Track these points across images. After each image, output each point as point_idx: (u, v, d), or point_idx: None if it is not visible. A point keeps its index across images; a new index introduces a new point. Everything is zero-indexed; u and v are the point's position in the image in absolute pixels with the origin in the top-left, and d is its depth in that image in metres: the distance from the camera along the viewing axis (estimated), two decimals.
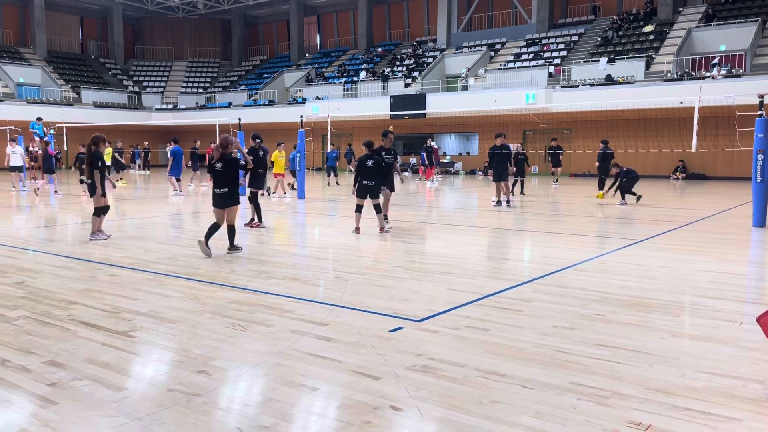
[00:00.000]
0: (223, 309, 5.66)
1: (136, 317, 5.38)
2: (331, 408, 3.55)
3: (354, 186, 10.59)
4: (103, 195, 9.80)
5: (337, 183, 23.61)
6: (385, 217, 10.95)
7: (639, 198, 15.84)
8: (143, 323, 5.21)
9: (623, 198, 15.85)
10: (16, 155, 20.35)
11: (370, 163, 10.40)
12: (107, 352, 4.49)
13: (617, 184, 15.99)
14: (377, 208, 10.62)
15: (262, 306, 5.77)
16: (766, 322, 3.69)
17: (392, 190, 11.33)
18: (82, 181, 16.67)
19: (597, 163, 17.95)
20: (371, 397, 3.67)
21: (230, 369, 4.16)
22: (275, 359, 4.31)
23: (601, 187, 17.65)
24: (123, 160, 26.78)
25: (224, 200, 8.49)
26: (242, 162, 8.73)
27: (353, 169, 14.28)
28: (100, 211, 9.82)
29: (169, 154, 19.81)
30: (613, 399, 3.62)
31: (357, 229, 10.54)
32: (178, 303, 5.89)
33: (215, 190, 8.51)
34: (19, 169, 20.53)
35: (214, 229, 8.49)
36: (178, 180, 19.22)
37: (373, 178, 10.42)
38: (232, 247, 8.63)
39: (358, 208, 10.60)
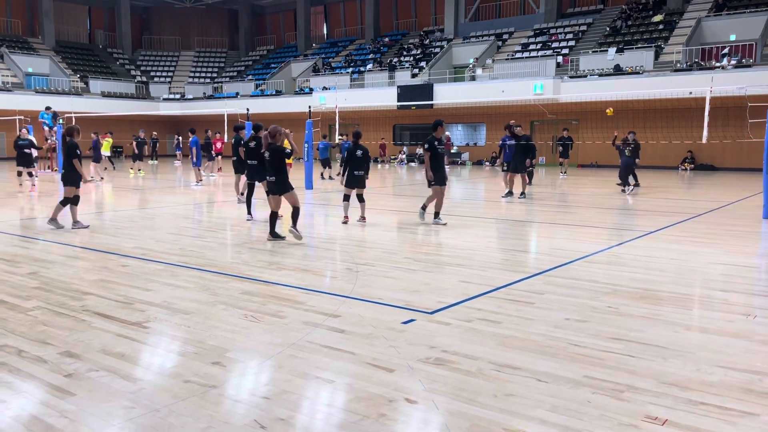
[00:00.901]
0: (236, 300, 5.68)
1: (150, 308, 5.41)
2: (346, 400, 3.57)
3: (342, 176, 10.74)
4: (75, 184, 9.88)
5: (330, 177, 22.06)
6: (437, 214, 10.63)
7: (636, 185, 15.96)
8: (157, 314, 5.24)
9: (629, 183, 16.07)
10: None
11: (359, 153, 10.49)
12: (122, 343, 4.51)
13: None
14: (361, 198, 10.80)
15: (275, 297, 5.79)
16: None
17: (443, 183, 10.59)
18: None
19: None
20: (386, 389, 3.68)
21: (245, 360, 4.19)
22: (289, 351, 4.33)
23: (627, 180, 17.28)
24: (145, 151, 26.90)
25: (277, 187, 8.73)
26: (288, 151, 8.79)
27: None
28: (70, 200, 9.91)
29: (190, 144, 19.76)
30: (628, 393, 3.62)
31: (346, 218, 10.72)
32: (191, 294, 5.91)
33: (267, 177, 8.87)
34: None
35: (273, 218, 8.93)
36: (199, 169, 19.35)
37: (363, 168, 10.55)
38: (295, 227, 8.71)
39: (346, 197, 10.73)
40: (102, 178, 21.16)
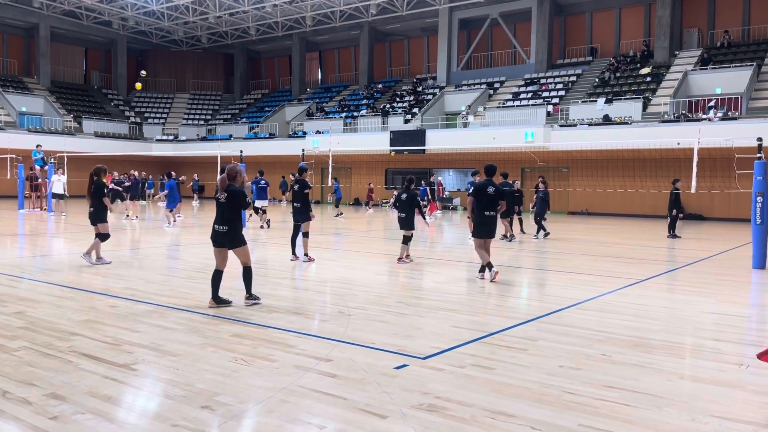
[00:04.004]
0: (226, 343, 5.61)
1: (138, 350, 5.33)
2: None
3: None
4: (104, 221, 10.39)
5: (266, 225, 18.71)
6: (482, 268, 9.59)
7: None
8: (145, 356, 5.15)
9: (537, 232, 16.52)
10: (60, 183, 22.08)
11: (296, 187, 11.20)
12: (109, 385, 4.43)
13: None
14: (306, 234, 11.26)
15: (265, 340, 5.73)
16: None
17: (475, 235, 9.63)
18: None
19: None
20: None
21: (235, 405, 4.11)
22: (280, 395, 4.26)
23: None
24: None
25: (227, 239, 7.12)
26: (248, 200, 7.30)
27: (288, 200, 14.30)
28: (105, 237, 10.35)
29: (165, 186, 19.92)
30: None
31: (298, 256, 11.28)
32: (180, 336, 5.83)
33: (215, 226, 7.17)
34: (60, 196, 22.16)
35: (216, 277, 7.17)
36: (170, 211, 19.25)
37: (299, 201, 11.08)
38: (250, 296, 7.30)
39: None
40: (136, 216, 21.25)
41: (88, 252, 10.33)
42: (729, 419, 3.98)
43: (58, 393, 4.23)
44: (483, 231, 9.46)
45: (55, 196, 22.12)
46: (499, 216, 12.07)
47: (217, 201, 7.17)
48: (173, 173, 20.97)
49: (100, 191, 10.36)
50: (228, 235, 7.09)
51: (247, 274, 7.25)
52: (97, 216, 10.37)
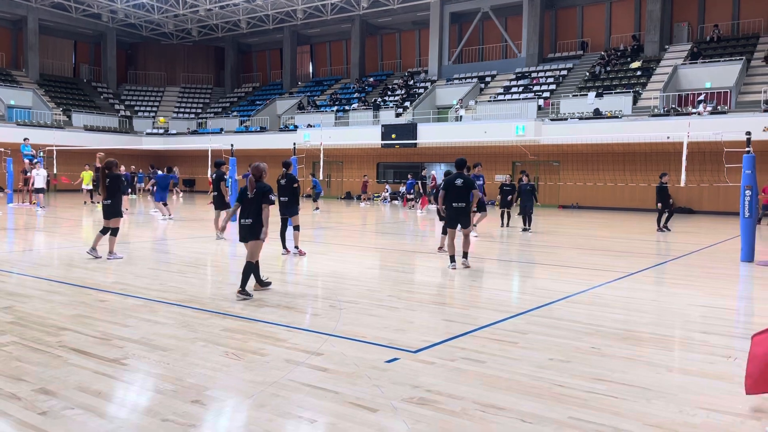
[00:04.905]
0: (216, 337, 5.60)
1: (128, 344, 5.31)
2: None
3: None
4: (120, 215, 10.45)
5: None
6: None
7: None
8: (135, 351, 5.14)
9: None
10: (40, 177, 22.04)
11: (283, 182, 11.22)
12: (99, 380, 4.41)
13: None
14: (296, 227, 11.33)
15: (256, 334, 5.72)
16: (759, 341, 3.77)
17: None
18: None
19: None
20: (369, 430, 3.63)
21: (225, 399, 4.11)
22: (271, 389, 4.26)
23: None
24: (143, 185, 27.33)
25: (249, 232, 7.49)
26: (272, 198, 7.62)
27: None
28: (117, 231, 10.41)
29: (155, 178, 20.04)
30: None
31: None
32: (170, 330, 5.82)
33: (240, 221, 7.60)
34: (42, 190, 22.09)
35: (254, 267, 7.65)
36: (165, 205, 19.22)
37: (287, 195, 11.10)
38: (243, 291, 7.39)
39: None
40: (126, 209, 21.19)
41: (94, 247, 10.34)
42: (717, 411, 4.02)
43: (47, 388, 4.21)
44: (453, 222, 9.98)
45: (37, 190, 22.04)
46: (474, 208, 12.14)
47: (247, 197, 7.59)
48: (175, 168, 21.25)
49: (114, 185, 10.34)
50: (250, 228, 7.51)
51: (248, 269, 7.49)
52: (112, 210, 10.33)
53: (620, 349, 5.42)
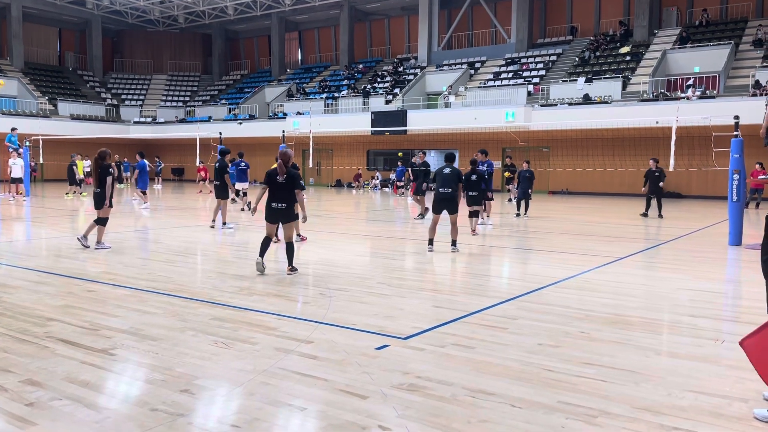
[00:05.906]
0: (206, 326, 5.57)
1: (117, 334, 5.28)
2: (318, 428, 3.50)
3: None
4: (110, 205, 10.43)
5: (247, 208, 17.91)
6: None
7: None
8: (124, 341, 5.10)
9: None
10: (16, 166, 21.97)
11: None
12: (87, 370, 4.38)
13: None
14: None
15: (246, 323, 5.70)
16: (750, 345, 3.74)
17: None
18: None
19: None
20: (359, 416, 3.63)
21: (215, 388, 4.09)
22: (260, 378, 4.25)
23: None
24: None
25: (284, 216, 8.11)
26: (302, 182, 8.26)
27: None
28: (105, 220, 10.36)
29: (136, 166, 20.10)
30: (601, 418, 3.62)
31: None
32: (159, 320, 5.79)
33: (272, 204, 8.10)
34: (19, 180, 22.07)
35: (266, 243, 8.23)
36: (143, 193, 19.24)
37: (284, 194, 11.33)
38: (292, 267, 8.21)
39: None
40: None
41: (85, 235, 10.33)
42: (705, 393, 4.04)
43: (34, 379, 4.17)
44: (439, 207, 10.46)
45: (14, 180, 22.02)
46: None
47: (277, 182, 8.06)
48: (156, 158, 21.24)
49: (105, 175, 10.28)
50: (285, 212, 8.09)
51: (290, 248, 8.25)
52: (100, 199, 10.28)
53: (609, 334, 5.45)
